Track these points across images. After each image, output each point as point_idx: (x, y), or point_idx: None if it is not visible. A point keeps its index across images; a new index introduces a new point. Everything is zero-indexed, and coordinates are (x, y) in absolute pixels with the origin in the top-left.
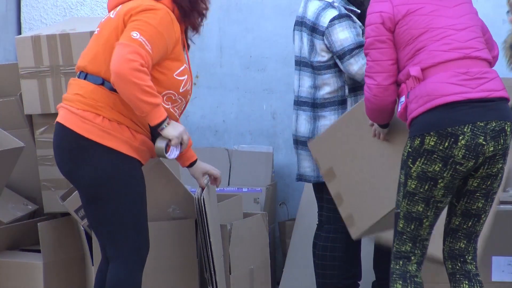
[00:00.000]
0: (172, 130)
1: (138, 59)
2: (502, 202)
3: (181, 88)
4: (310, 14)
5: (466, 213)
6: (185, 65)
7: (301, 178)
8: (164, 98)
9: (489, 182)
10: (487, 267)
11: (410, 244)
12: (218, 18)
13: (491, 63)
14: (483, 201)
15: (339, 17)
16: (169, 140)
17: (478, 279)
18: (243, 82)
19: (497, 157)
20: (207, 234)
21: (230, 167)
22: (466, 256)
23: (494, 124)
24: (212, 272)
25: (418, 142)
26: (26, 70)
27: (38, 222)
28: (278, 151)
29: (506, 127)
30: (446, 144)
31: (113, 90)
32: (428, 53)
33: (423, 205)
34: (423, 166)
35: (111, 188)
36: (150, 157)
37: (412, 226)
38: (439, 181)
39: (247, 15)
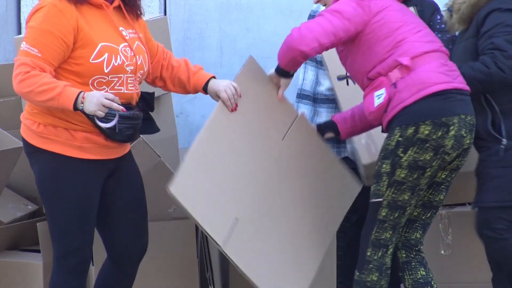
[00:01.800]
0: (89, 105)
1: (22, 69)
2: None
3: (105, 69)
4: (322, 10)
5: (427, 204)
6: (100, 44)
7: None
8: (95, 84)
9: (454, 175)
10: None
11: (391, 232)
12: (218, 18)
13: None
14: (444, 193)
15: None
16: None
17: (429, 267)
18: None
19: (468, 150)
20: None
21: None
22: (419, 247)
23: (469, 118)
24: (213, 272)
25: (411, 131)
26: None
27: (38, 222)
28: None
29: (475, 122)
30: (440, 133)
31: None
32: (412, 44)
33: (409, 194)
34: (415, 155)
35: (47, 191)
36: (110, 150)
37: (396, 214)
38: (427, 170)
39: (247, 15)
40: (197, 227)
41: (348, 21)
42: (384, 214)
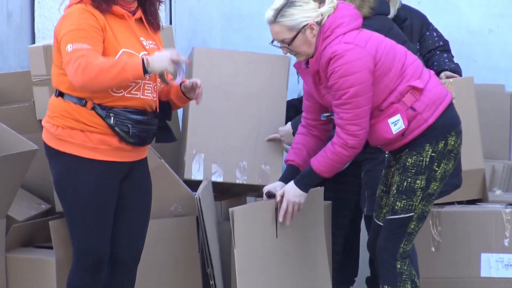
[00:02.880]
0: (158, 63)
1: (82, 59)
2: (490, 202)
3: None
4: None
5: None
6: (122, 50)
7: None
8: (114, 87)
9: None
10: (476, 263)
11: (413, 242)
12: (221, 27)
13: None
14: None
15: None
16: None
17: None
18: None
19: None
20: (204, 232)
21: None
22: None
23: None
24: (213, 267)
25: (442, 144)
26: (38, 77)
27: (50, 221)
28: None
29: None
30: (459, 141)
31: (66, 98)
32: (411, 67)
33: (432, 203)
34: (445, 166)
35: (63, 192)
36: (123, 153)
37: (421, 225)
38: (447, 178)
39: (248, 24)
40: (198, 224)
41: (369, 88)
42: (413, 226)
